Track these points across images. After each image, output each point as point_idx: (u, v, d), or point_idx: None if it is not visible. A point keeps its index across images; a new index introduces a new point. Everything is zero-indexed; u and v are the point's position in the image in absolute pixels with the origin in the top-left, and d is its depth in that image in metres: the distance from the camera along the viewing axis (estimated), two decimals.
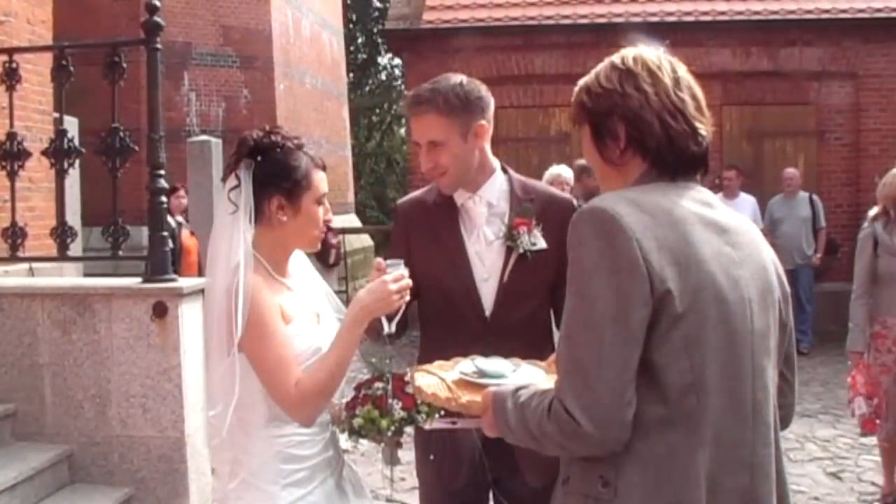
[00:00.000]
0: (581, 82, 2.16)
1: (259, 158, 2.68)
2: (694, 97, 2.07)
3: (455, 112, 3.01)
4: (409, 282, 2.67)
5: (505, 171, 3.23)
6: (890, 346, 5.75)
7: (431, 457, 3.06)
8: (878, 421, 5.74)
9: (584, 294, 1.89)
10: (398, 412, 2.57)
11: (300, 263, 2.94)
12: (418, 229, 3.18)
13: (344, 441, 2.72)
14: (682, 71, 2.09)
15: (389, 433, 2.61)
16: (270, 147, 2.69)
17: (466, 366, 2.46)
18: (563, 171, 9.04)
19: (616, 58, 2.11)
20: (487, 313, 3.08)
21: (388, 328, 2.81)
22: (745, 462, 1.96)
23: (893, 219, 5.77)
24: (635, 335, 1.85)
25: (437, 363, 2.57)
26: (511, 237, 3.05)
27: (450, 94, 3.01)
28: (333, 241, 12.26)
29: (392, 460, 2.76)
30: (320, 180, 2.75)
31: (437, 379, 2.37)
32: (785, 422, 2.24)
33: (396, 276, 2.64)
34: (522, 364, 2.54)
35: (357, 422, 2.63)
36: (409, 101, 3.09)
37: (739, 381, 1.96)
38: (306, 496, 2.68)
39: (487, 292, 3.09)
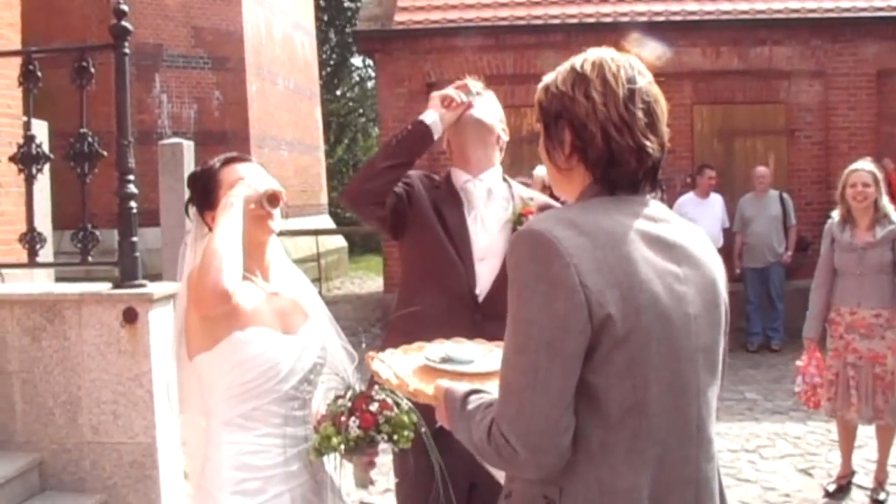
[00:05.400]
0: (545, 79, 2.08)
1: (191, 188, 2.91)
2: (649, 112, 1.97)
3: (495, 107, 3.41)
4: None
5: (505, 179, 3.39)
6: (842, 332, 6.08)
7: (396, 480, 3.07)
8: (826, 402, 6.12)
9: (521, 318, 1.85)
10: (354, 430, 2.53)
11: (286, 272, 2.95)
12: (422, 197, 3.29)
13: (313, 457, 2.68)
14: (644, 82, 1.99)
15: (341, 450, 2.57)
16: (191, 178, 2.93)
17: (433, 351, 2.41)
18: None
19: (578, 59, 2.02)
20: (480, 294, 3.14)
21: (438, 127, 3.23)
22: (691, 479, 1.94)
23: (844, 215, 6.10)
24: (571, 362, 1.81)
25: (402, 347, 2.53)
26: (519, 222, 3.14)
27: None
28: None
29: (363, 483, 2.68)
30: (230, 172, 2.82)
31: (388, 367, 2.33)
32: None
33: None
34: (496, 349, 2.44)
35: (315, 438, 2.62)
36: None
37: (684, 400, 1.92)
38: None
39: (482, 273, 3.16)
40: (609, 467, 1.85)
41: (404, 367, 2.37)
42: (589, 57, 2.02)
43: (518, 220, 3.14)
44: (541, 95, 2.07)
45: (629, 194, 1.99)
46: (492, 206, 3.25)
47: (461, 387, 2.10)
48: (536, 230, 1.87)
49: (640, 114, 1.96)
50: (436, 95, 3.29)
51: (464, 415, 2.00)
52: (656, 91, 2.01)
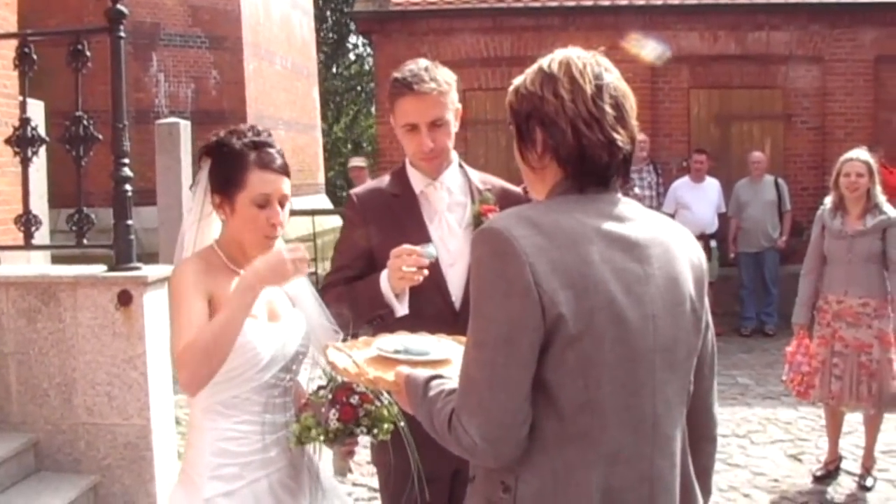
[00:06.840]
0: (515, 81, 2.12)
1: (211, 159, 2.77)
2: (617, 107, 2.01)
3: (448, 93, 3.10)
4: (306, 254, 2.61)
5: (461, 165, 3.29)
6: (829, 320, 6.10)
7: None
8: (809, 389, 6.14)
9: (480, 314, 1.92)
10: (333, 423, 2.56)
11: None
12: (378, 217, 3.17)
13: (293, 445, 2.72)
14: (612, 78, 2.03)
15: (320, 441, 2.62)
16: (216, 147, 2.76)
17: (385, 342, 2.45)
18: None
19: (545, 60, 2.06)
20: (455, 300, 3.08)
21: (401, 310, 2.92)
22: (645, 475, 1.99)
23: (836, 203, 6.12)
24: (527, 358, 1.87)
25: (349, 342, 2.55)
26: (479, 223, 3.02)
27: (439, 76, 3.08)
28: None
29: (341, 471, 2.73)
30: (260, 181, 2.70)
31: (346, 356, 2.36)
32: (708, 413, 2.23)
33: (293, 248, 2.61)
34: (444, 340, 2.53)
35: (295, 428, 2.66)
36: (408, 81, 3.06)
37: (638, 398, 1.96)
38: (231, 493, 2.68)
39: (454, 278, 3.09)
40: (562, 459, 1.92)
41: (359, 357, 2.39)
42: (556, 57, 2.06)
43: (478, 220, 3.06)
44: (511, 98, 2.11)
45: (599, 191, 2.02)
46: (453, 205, 3.18)
47: (422, 373, 2.17)
48: (496, 229, 1.92)
49: (608, 108, 2.00)
50: (400, 276, 2.94)
51: (425, 401, 2.06)
52: (624, 86, 2.06)
